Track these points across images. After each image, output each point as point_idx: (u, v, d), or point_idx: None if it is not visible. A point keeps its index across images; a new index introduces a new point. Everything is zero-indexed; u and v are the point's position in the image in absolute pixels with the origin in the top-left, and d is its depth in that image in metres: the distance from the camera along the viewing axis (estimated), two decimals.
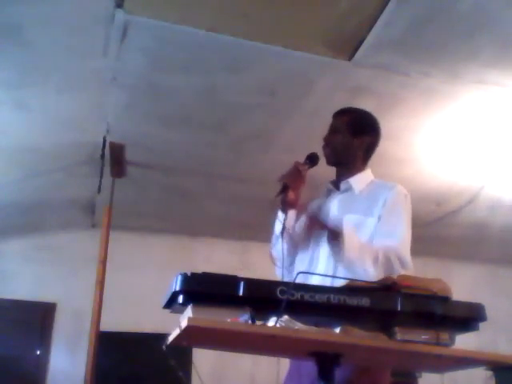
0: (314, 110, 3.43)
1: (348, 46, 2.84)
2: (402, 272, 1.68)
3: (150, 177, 4.44)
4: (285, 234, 1.88)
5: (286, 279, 1.83)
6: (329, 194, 2.04)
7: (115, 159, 3.98)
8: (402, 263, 1.75)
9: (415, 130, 3.69)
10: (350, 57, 2.90)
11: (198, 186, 4.62)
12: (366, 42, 2.76)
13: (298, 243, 1.97)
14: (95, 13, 2.58)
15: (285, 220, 1.88)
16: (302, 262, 1.93)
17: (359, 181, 1.99)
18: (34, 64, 2.92)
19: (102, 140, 3.79)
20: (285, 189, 1.85)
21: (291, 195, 1.87)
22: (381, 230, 1.83)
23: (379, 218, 1.85)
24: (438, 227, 5.25)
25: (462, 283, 3.79)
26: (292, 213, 1.93)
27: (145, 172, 4.34)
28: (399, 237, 1.82)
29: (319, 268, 1.85)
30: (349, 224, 1.84)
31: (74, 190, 4.62)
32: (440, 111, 3.44)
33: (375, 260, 1.73)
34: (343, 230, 1.75)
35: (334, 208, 1.95)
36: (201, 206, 5.01)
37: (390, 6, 2.51)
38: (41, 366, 5.00)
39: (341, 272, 1.75)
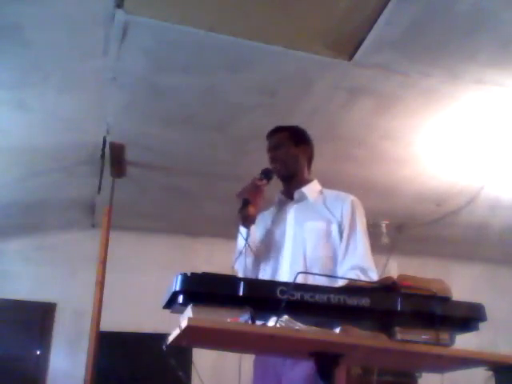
0: (314, 109, 3.43)
1: (348, 46, 2.83)
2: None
3: (150, 177, 4.44)
4: (248, 249, 1.91)
5: None
6: (281, 204, 2.10)
7: (115, 159, 3.98)
8: (367, 276, 1.80)
9: (415, 130, 3.69)
10: (350, 57, 2.89)
11: (198, 186, 4.62)
12: (365, 41, 2.76)
13: (259, 257, 1.99)
14: (95, 13, 2.58)
15: (248, 235, 1.92)
16: (265, 274, 1.96)
17: (311, 190, 2.07)
18: (33, 64, 2.92)
19: (102, 140, 3.79)
20: (246, 204, 1.90)
21: (251, 210, 1.92)
22: (342, 248, 1.89)
23: (339, 226, 1.91)
24: (437, 227, 5.25)
25: (461, 283, 3.78)
26: (253, 228, 1.97)
27: (145, 172, 4.34)
28: (360, 252, 1.88)
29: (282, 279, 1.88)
30: (311, 231, 1.91)
31: (74, 190, 4.61)
32: (440, 111, 3.44)
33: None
34: None
35: (290, 217, 2.01)
36: (201, 206, 5.01)
37: (390, 6, 2.51)
38: (41, 365, 5.00)
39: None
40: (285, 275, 1.87)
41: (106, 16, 2.58)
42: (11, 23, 2.57)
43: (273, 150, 2.12)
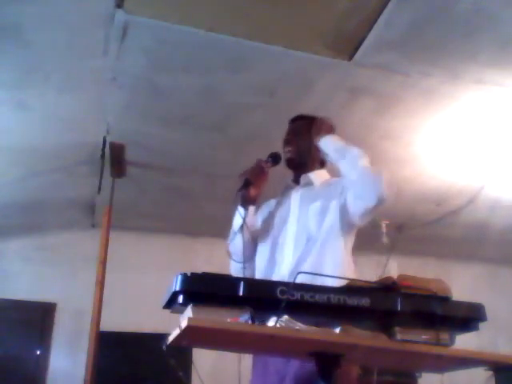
0: (314, 109, 3.40)
1: (348, 46, 2.84)
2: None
3: (150, 177, 4.44)
4: (244, 230, 1.91)
5: (246, 274, 1.87)
6: (288, 190, 2.07)
7: (115, 159, 3.98)
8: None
9: (415, 130, 3.69)
10: (350, 57, 2.90)
11: (198, 185, 4.61)
12: (365, 41, 2.76)
13: (256, 239, 1.99)
14: (95, 13, 2.58)
15: (245, 216, 1.91)
16: (261, 259, 1.95)
17: (318, 176, 2.03)
18: (33, 64, 2.92)
19: (102, 140, 3.79)
20: (246, 184, 1.89)
21: (252, 191, 1.92)
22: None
23: (340, 195, 1.87)
24: (437, 227, 5.25)
25: (461, 283, 3.78)
26: (252, 209, 1.96)
27: (145, 172, 4.34)
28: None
29: (283, 267, 1.85)
30: (315, 210, 1.89)
31: (74, 190, 4.61)
32: (440, 111, 3.44)
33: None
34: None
35: (295, 201, 1.99)
36: (201, 206, 5.00)
37: (390, 6, 2.52)
38: (41, 365, 4.99)
39: (307, 267, 1.76)
40: (285, 268, 1.85)
41: (106, 16, 2.58)
42: (11, 23, 2.57)
43: (289, 134, 2.09)
